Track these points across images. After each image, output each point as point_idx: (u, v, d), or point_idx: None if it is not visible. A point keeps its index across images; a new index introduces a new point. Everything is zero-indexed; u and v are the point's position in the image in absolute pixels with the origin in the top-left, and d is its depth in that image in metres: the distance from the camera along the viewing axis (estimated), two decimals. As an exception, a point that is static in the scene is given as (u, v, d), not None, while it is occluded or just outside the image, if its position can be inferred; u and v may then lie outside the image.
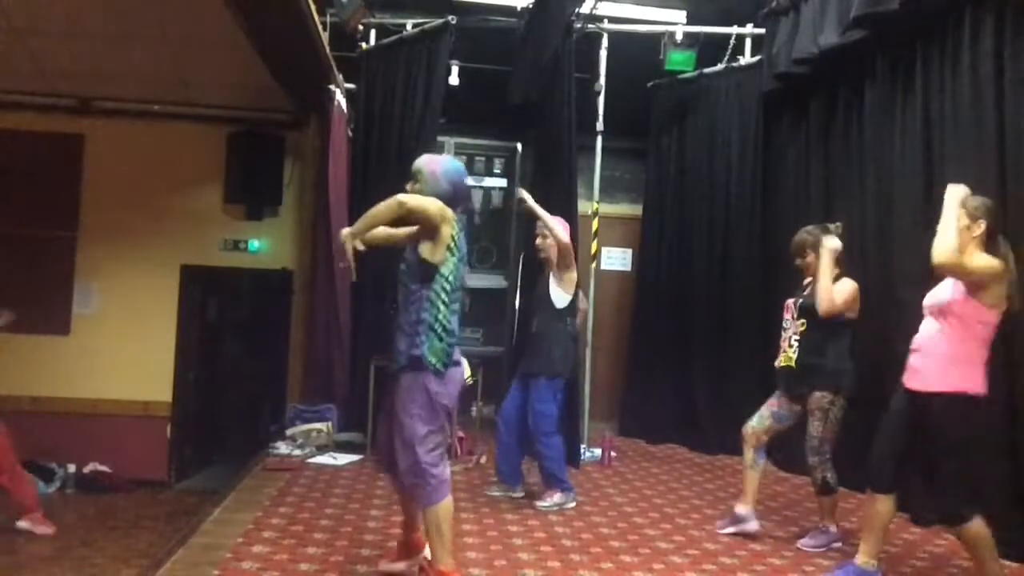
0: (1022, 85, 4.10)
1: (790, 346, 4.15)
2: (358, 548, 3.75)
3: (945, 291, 3.32)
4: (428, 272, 3.12)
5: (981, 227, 3.25)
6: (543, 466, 4.67)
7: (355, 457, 5.62)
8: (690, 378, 6.89)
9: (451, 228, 3.14)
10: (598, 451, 6.03)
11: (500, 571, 3.51)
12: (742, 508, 4.21)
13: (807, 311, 4.11)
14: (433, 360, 3.11)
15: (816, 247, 4.15)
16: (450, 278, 3.16)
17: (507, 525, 4.23)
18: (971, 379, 3.22)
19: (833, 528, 4.10)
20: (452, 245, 3.15)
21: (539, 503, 4.59)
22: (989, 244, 3.27)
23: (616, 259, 8.11)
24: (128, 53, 6.19)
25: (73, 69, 6.58)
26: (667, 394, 6.97)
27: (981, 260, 3.19)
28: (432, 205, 3.10)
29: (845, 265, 4.17)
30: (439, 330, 3.12)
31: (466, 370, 5.73)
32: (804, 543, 4.09)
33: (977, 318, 3.22)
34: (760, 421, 4.25)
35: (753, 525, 4.17)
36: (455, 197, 3.23)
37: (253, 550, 3.63)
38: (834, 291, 4.00)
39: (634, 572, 3.60)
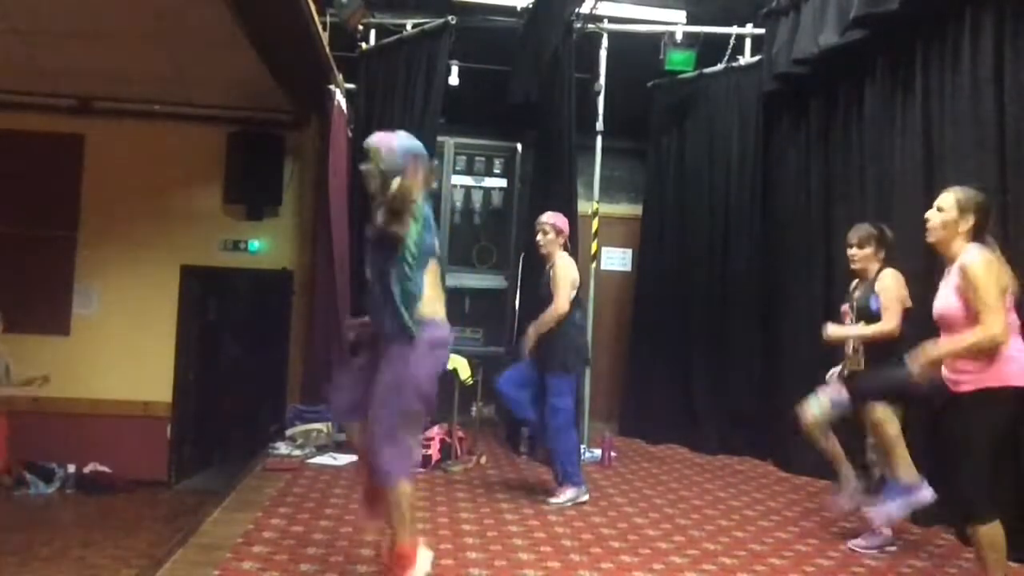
0: (1022, 85, 4.10)
1: (855, 351, 4.08)
2: (358, 548, 3.75)
3: (949, 301, 3.22)
4: (392, 243, 3.03)
5: (969, 222, 3.22)
6: (555, 463, 4.67)
7: (355, 457, 5.59)
8: (690, 378, 6.88)
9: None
10: (598, 451, 6.03)
11: (500, 571, 3.51)
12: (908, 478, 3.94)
13: (866, 314, 4.03)
14: (412, 327, 3.01)
15: (880, 243, 4.14)
16: (413, 247, 3.04)
17: (507, 525, 4.23)
18: (994, 373, 3.08)
19: (888, 531, 4.06)
20: (416, 214, 3.06)
21: (552, 499, 4.57)
22: (976, 238, 3.22)
23: (616, 259, 8.11)
24: (128, 53, 6.19)
25: (73, 69, 6.58)
26: (667, 394, 6.96)
27: (982, 291, 3.08)
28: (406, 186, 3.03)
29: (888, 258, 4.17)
30: (415, 293, 3.03)
31: (465, 370, 5.77)
32: (856, 544, 4.04)
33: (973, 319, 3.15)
34: (822, 412, 4.07)
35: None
36: (410, 165, 3.12)
37: (253, 550, 3.62)
38: (886, 293, 3.99)
39: (634, 572, 3.59)
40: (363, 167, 3.17)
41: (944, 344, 3.20)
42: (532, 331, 4.62)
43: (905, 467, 3.76)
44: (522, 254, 6.83)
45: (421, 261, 3.07)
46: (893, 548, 4.04)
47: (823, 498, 4.86)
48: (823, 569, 3.76)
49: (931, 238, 3.34)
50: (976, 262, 3.11)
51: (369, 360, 3.18)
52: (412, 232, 3.04)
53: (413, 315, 3.01)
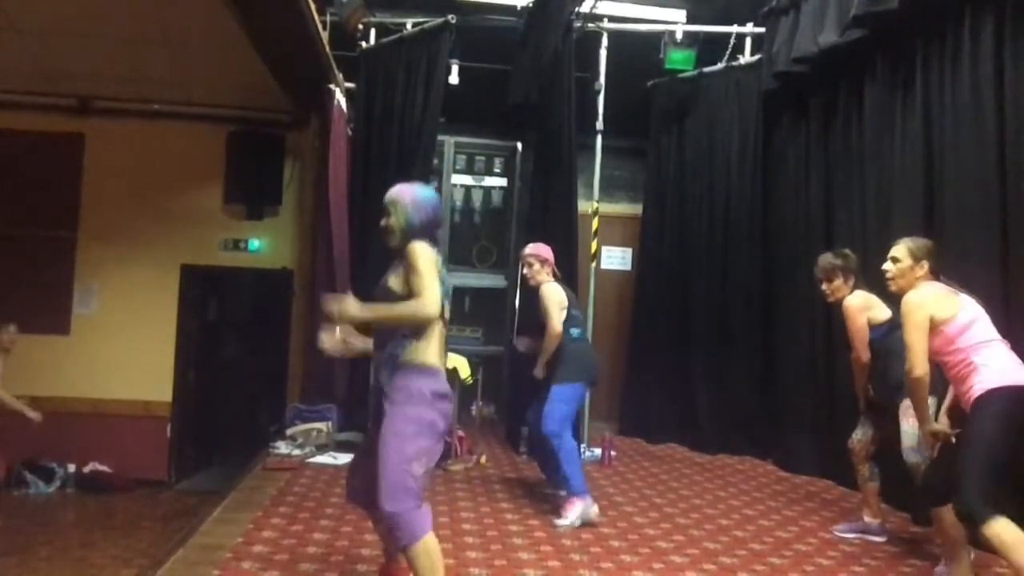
0: (1022, 85, 4.10)
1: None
2: (358, 548, 3.75)
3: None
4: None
5: (924, 267, 3.46)
6: (557, 472, 4.51)
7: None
8: (690, 378, 6.88)
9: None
10: (598, 451, 6.03)
11: (500, 571, 3.51)
12: (871, 518, 4.24)
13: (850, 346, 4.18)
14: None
15: (847, 273, 4.18)
16: None
17: (507, 525, 4.23)
18: (976, 387, 3.18)
19: (872, 520, 4.22)
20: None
21: (558, 521, 4.24)
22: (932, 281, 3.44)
23: (616, 259, 8.11)
24: (128, 53, 6.20)
25: (73, 69, 6.59)
26: (667, 394, 6.96)
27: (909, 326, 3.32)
28: (431, 279, 2.82)
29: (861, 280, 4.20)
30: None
31: (465, 369, 5.77)
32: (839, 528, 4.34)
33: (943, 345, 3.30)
34: (864, 433, 4.23)
35: (881, 537, 4.19)
36: (430, 225, 3.01)
37: (253, 550, 3.63)
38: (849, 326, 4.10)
39: (634, 572, 3.59)
40: (383, 221, 2.97)
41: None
42: (540, 360, 4.67)
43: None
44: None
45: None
46: (880, 539, 4.15)
47: (823, 498, 4.87)
48: (823, 568, 3.76)
49: (892, 287, 3.55)
50: (905, 301, 3.39)
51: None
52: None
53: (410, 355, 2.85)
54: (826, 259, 4.27)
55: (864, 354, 4.08)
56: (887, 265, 3.56)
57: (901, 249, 3.54)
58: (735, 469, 6.05)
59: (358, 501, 3.11)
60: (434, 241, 3.00)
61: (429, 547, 2.74)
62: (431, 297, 2.78)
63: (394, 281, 2.93)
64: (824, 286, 4.26)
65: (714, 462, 6.29)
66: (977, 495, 2.99)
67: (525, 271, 4.77)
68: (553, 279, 4.75)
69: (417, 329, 2.87)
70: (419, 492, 2.78)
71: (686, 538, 4.14)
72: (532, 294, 4.99)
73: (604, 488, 5.17)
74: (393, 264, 3.02)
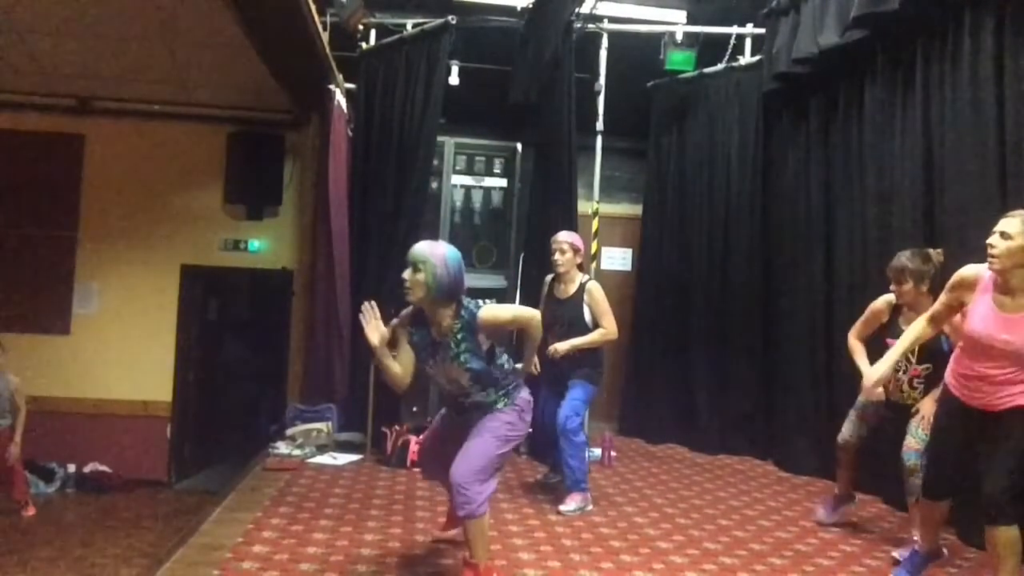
0: (1022, 85, 4.10)
1: (912, 387, 3.95)
2: (358, 548, 3.76)
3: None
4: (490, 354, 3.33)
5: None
6: (565, 468, 4.64)
7: (355, 457, 5.63)
8: (690, 378, 6.88)
9: None
10: (598, 451, 6.03)
11: (500, 571, 3.51)
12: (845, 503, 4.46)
13: (932, 354, 3.81)
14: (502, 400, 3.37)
15: (919, 278, 3.86)
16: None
17: (507, 525, 4.23)
18: None
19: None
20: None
21: (562, 507, 4.51)
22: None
23: (616, 259, 8.11)
24: (128, 53, 6.19)
25: (73, 69, 6.59)
26: (667, 394, 6.96)
27: None
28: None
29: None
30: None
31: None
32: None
33: None
34: (859, 428, 4.20)
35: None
36: (458, 287, 3.20)
37: (253, 550, 3.63)
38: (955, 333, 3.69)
39: (634, 572, 3.60)
40: (407, 275, 3.16)
41: None
42: (570, 344, 4.61)
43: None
44: (522, 254, 6.82)
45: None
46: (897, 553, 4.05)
47: (824, 498, 4.86)
48: (823, 569, 3.77)
49: (996, 266, 3.12)
50: None
51: (451, 422, 3.53)
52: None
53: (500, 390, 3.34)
54: (898, 260, 3.92)
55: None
56: (994, 239, 3.10)
57: (1016, 224, 3.06)
58: (735, 469, 6.05)
59: (437, 478, 3.72)
60: (460, 303, 3.23)
61: (484, 524, 3.19)
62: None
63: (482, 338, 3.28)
64: (894, 287, 3.94)
65: (714, 462, 6.28)
66: (1011, 494, 2.97)
67: (556, 256, 4.74)
68: (582, 272, 4.80)
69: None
70: (491, 479, 3.23)
71: (686, 538, 4.15)
72: (548, 271, 4.96)
73: (604, 488, 5.18)
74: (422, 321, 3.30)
